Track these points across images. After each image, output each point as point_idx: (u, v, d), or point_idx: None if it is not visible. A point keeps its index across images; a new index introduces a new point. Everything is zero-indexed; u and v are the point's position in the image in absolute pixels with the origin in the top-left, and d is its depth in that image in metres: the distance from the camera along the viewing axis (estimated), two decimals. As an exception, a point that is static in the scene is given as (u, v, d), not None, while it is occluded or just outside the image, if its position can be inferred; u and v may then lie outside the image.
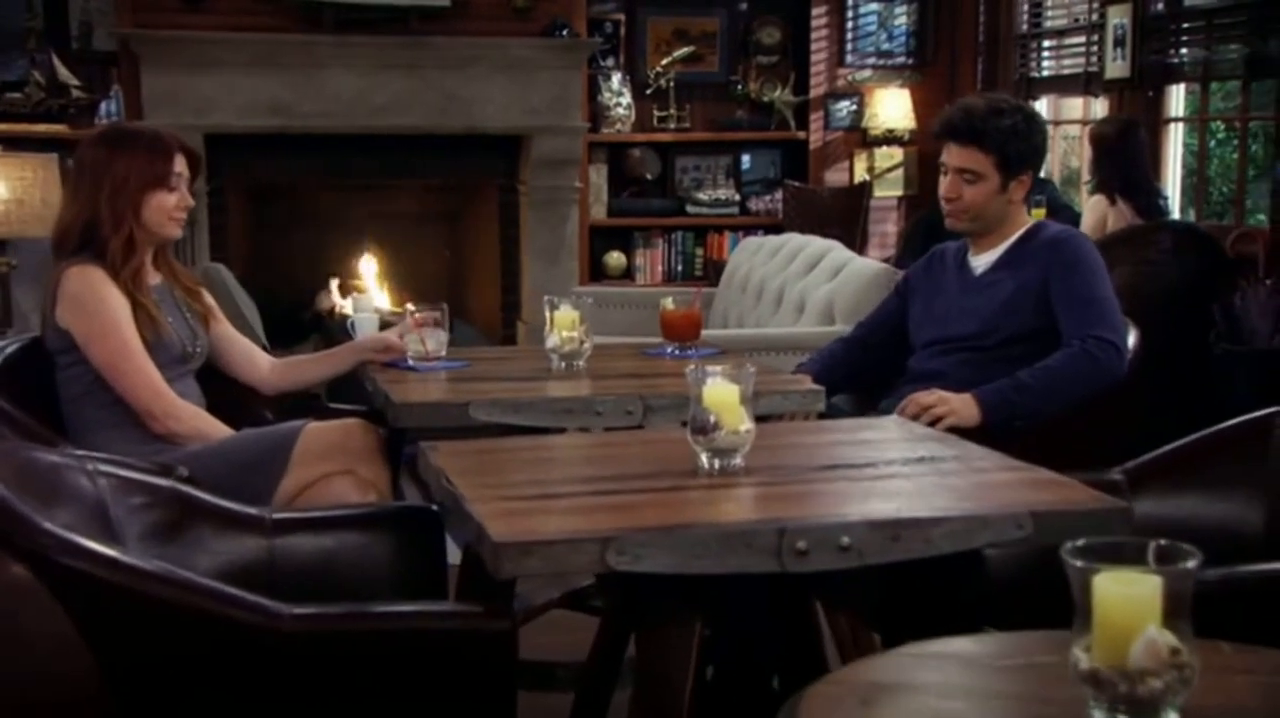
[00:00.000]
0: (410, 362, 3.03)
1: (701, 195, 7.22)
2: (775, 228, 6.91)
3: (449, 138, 6.56)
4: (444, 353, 3.05)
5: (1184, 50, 5.83)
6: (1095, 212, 5.47)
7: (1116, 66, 6.05)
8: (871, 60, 7.30)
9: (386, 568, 2.29)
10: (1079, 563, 1.22)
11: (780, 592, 2.19)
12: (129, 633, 1.77)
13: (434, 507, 2.37)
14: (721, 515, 1.93)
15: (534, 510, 1.91)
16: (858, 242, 6.60)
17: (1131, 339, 3.05)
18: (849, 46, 7.27)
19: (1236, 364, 4.97)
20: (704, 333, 3.35)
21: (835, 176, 7.27)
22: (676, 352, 3.22)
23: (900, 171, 7.28)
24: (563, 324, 2.98)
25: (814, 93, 7.26)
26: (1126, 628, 1.18)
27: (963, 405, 2.92)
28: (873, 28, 7.27)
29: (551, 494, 1.99)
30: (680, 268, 7.26)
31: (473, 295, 7.07)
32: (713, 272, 6.86)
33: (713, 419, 2.09)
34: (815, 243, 5.22)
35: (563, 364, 2.99)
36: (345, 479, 2.81)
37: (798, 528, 1.81)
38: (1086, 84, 6.31)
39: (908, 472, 2.11)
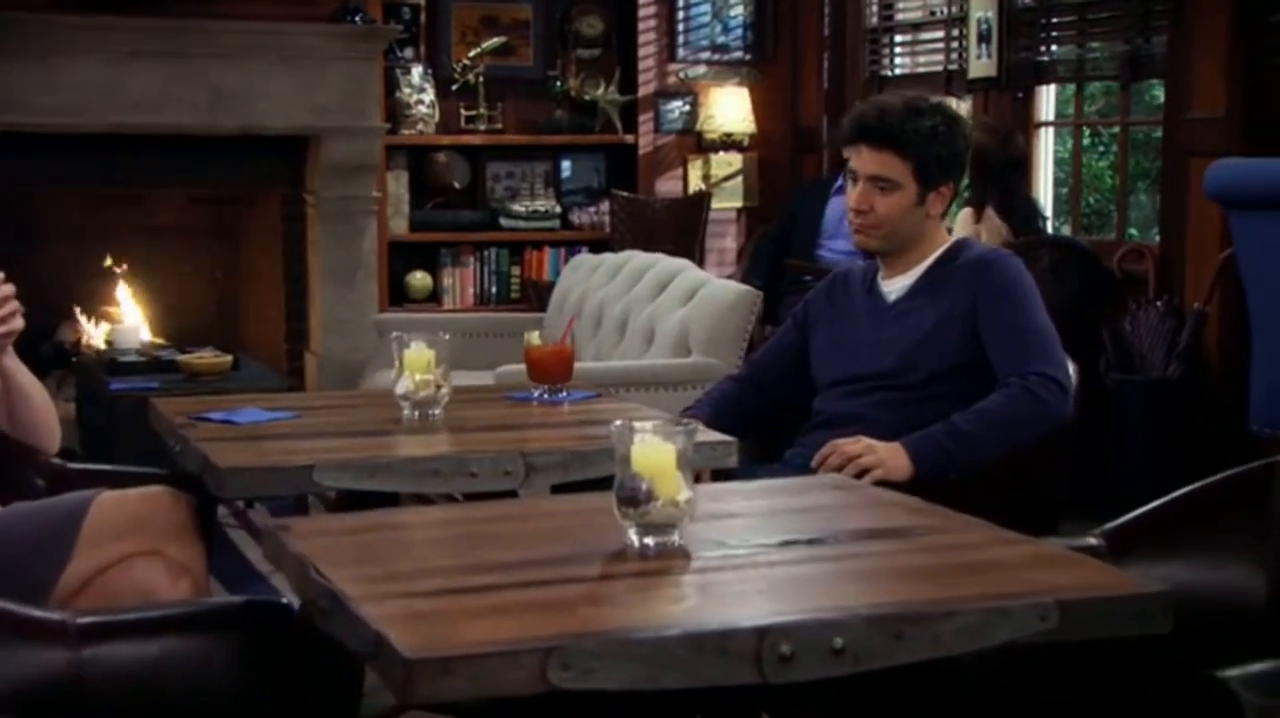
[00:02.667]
0: None
1: (517, 207, 7.07)
2: (601, 243, 6.83)
3: (220, 139, 6.33)
4: None
5: (1055, 48, 5.88)
6: (964, 227, 5.45)
7: (981, 65, 6.08)
8: (706, 55, 7.22)
9: (229, 683, 2.02)
10: (1257, 701, 1.05)
11: (719, 702, 1.99)
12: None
13: (284, 600, 2.12)
14: (681, 615, 1.73)
15: (444, 612, 1.68)
16: (696, 259, 6.49)
17: (1072, 374, 2.96)
18: (680, 40, 7.18)
19: (1129, 395, 4.99)
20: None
21: (667, 185, 7.19)
22: (546, 395, 3.06)
23: (739, 180, 7.22)
24: (415, 366, 2.76)
25: (642, 91, 7.16)
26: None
27: (891, 455, 2.78)
28: (706, 19, 7.21)
29: (459, 588, 1.76)
30: (495, 289, 7.08)
31: (251, 324, 6.78)
32: (533, 294, 6.70)
33: (645, 487, 1.90)
34: (664, 262, 5.09)
35: (415, 414, 2.77)
36: (151, 562, 2.51)
37: (781, 629, 1.62)
38: (947, 84, 6.33)
39: (880, 549, 1.95)
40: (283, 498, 4.09)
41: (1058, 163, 6.27)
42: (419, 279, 6.97)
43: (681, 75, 7.21)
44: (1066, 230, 6.07)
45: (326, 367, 6.46)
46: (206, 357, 5.19)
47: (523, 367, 4.54)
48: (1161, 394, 4.95)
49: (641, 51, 7.15)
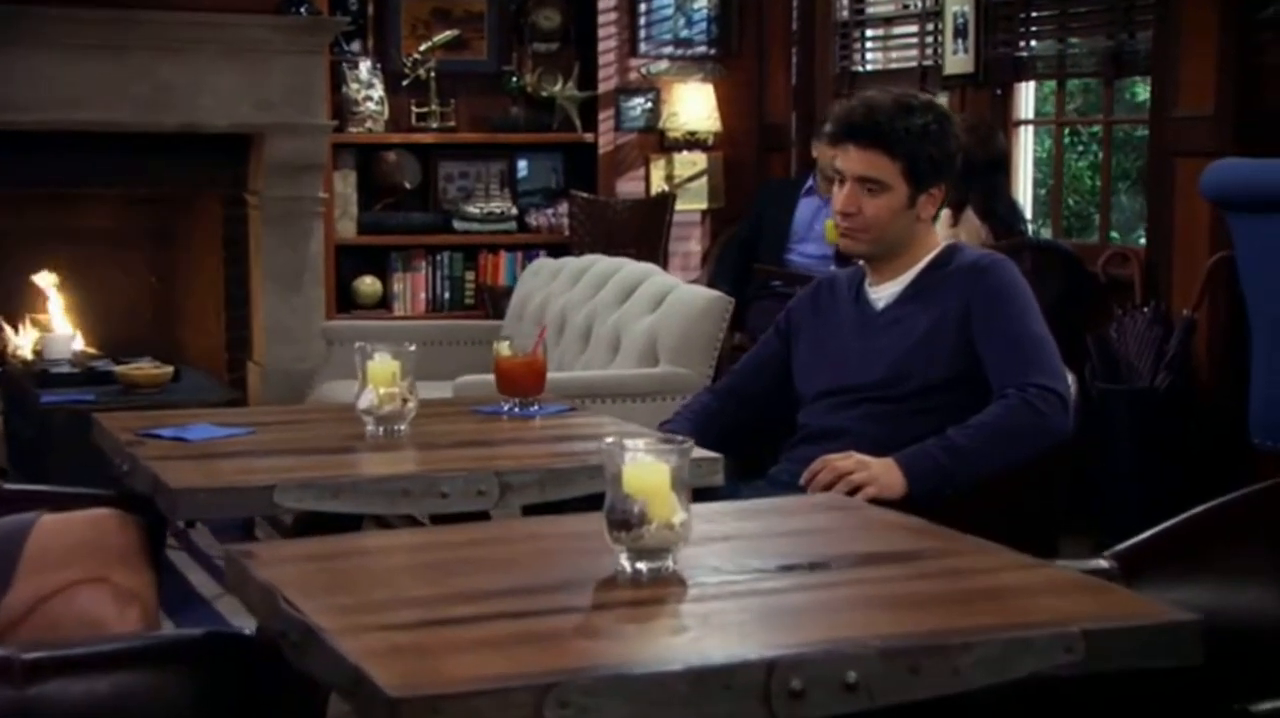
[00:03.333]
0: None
1: (471, 208, 7.02)
2: (560, 247, 6.80)
3: (158, 137, 6.24)
4: None
5: (1035, 43, 5.88)
6: (941, 229, 5.43)
7: (957, 60, 6.06)
8: (669, 50, 7.19)
9: (187, 722, 1.96)
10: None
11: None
12: None
13: (245, 631, 2.06)
14: (683, 648, 1.68)
15: (427, 646, 1.63)
16: (660, 263, 6.45)
17: (1072, 385, 2.94)
18: (642, 34, 7.15)
19: (1115, 404, 4.98)
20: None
21: (629, 186, 7.16)
22: (516, 409, 3.03)
23: (704, 181, 7.19)
24: (379, 378, 2.72)
25: (602, 87, 7.13)
26: None
27: (884, 472, 2.75)
28: (669, 12, 7.18)
29: (441, 619, 1.71)
30: (448, 295, 7.04)
31: (190, 332, 6.70)
32: (488, 300, 6.65)
33: (638, 509, 1.86)
34: (629, 267, 5.05)
35: (380, 430, 2.73)
36: (97, 590, 2.45)
37: (791, 661, 1.58)
38: (922, 80, 6.30)
39: (887, 574, 1.91)
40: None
41: (1036, 163, 6.27)
42: (368, 284, 6.91)
43: (643, 71, 7.17)
44: (1046, 233, 6.07)
45: (271, 377, 6.38)
46: (145, 367, 5.10)
47: (483, 378, 4.49)
48: (1149, 404, 4.93)
49: (601, 46, 7.11)
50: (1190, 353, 4.94)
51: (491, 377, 4.68)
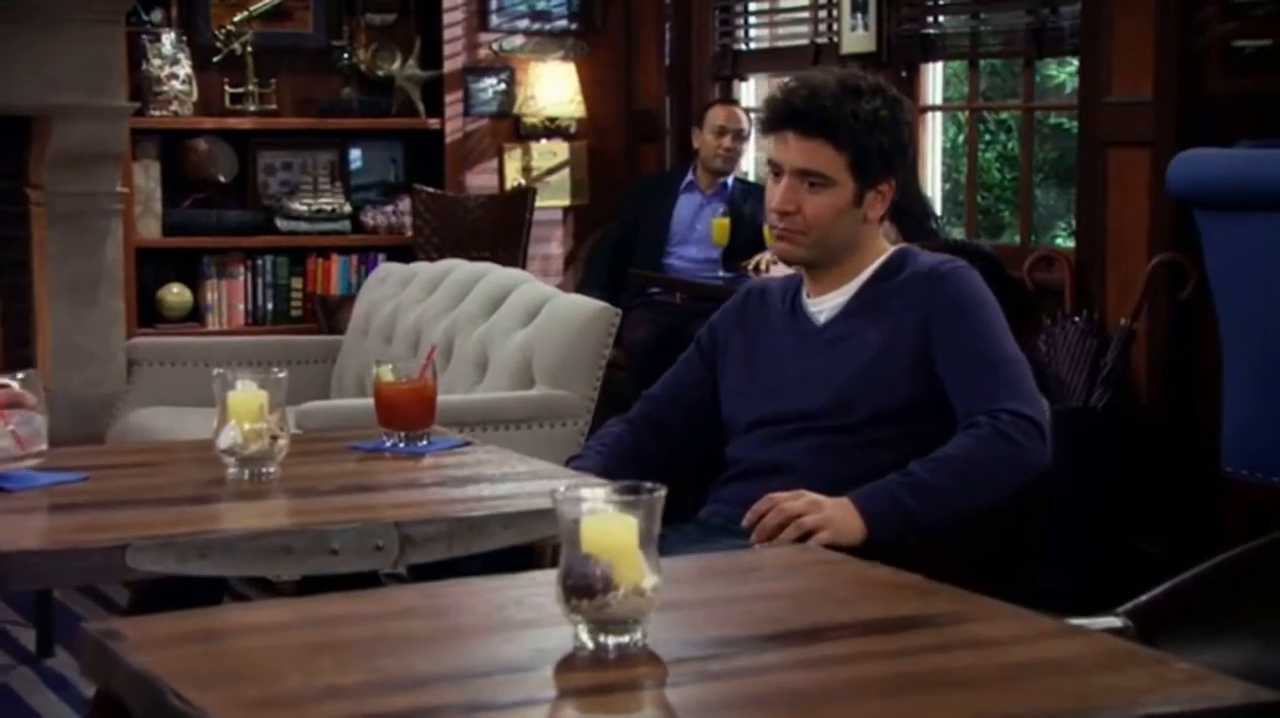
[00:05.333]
0: None
1: (296, 205, 6.97)
2: (402, 249, 6.76)
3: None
4: (44, 444, 2.57)
5: (944, 18, 5.89)
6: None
7: (856, 38, 6.07)
8: (524, 24, 7.21)
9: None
10: None
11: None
12: None
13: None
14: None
15: (365, 751, 1.50)
16: (520, 267, 6.39)
17: (1046, 411, 2.90)
18: (493, 5, 7.17)
19: (1048, 426, 4.98)
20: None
21: (480, 180, 7.17)
22: (401, 444, 2.91)
23: (566, 174, 7.21)
24: (243, 412, 2.59)
25: (448, 66, 7.12)
26: None
27: (840, 514, 2.67)
28: (524, -20, 7.20)
29: (375, 715, 1.58)
30: (271, 306, 7.01)
31: (-42, 353, 6.47)
32: (320, 311, 6.56)
33: (601, 572, 1.74)
34: (495, 273, 4.98)
35: (246, 473, 2.62)
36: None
37: (814, 760, 1.48)
38: (815, 60, 6.31)
39: (900, 645, 1.82)
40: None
41: (947, 152, 6.30)
42: (175, 294, 6.83)
43: (495, 48, 7.17)
44: (957, 233, 6.08)
45: (60, 404, 6.12)
46: (-84, 396, 4.85)
47: (328, 404, 4.38)
48: (1085, 425, 4.94)
49: (446, 18, 7.10)
50: (1129, 367, 4.96)
51: (338, 403, 4.58)
